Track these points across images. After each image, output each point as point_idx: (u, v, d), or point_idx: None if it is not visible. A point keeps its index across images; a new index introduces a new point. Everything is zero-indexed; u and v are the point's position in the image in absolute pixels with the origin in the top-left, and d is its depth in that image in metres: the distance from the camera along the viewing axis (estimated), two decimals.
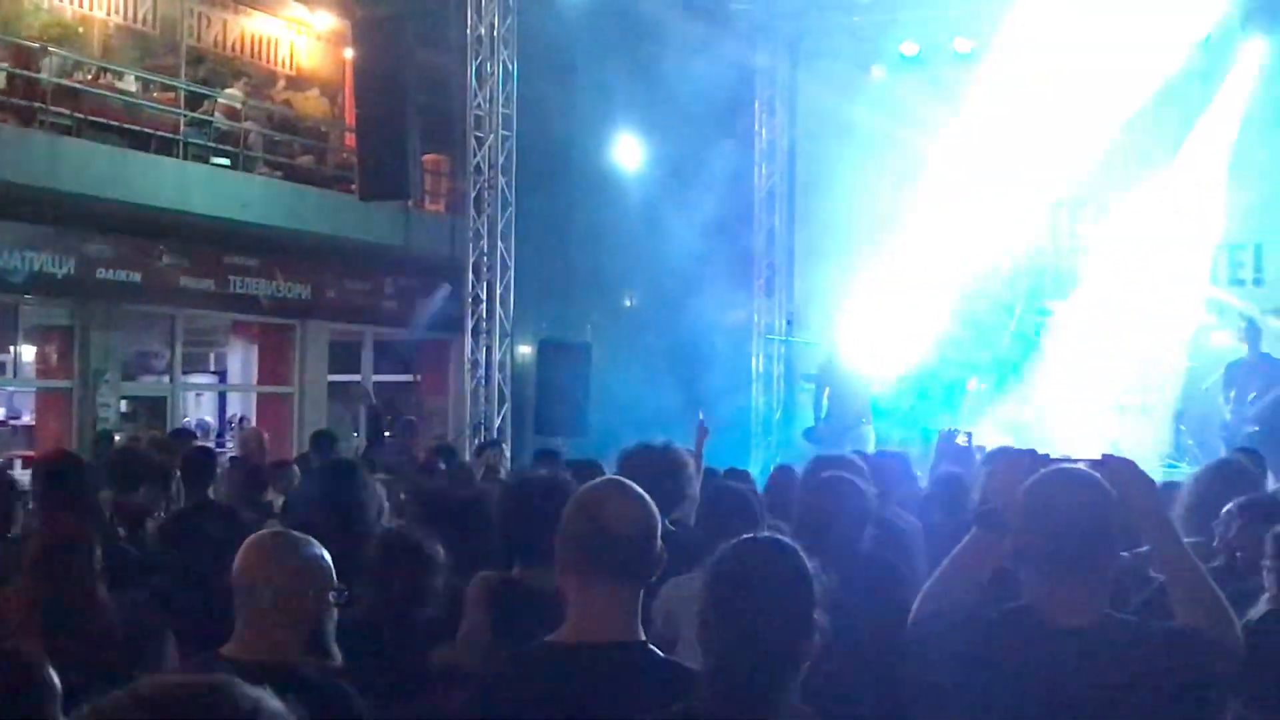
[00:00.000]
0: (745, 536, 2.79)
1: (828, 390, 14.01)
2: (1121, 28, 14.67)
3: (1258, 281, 15.17)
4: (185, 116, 14.29)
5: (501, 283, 13.94)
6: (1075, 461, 3.33)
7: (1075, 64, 14.86)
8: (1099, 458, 3.39)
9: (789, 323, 17.14)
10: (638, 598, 2.95)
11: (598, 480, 3.15)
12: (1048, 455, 3.47)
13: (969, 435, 8.38)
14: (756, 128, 17.29)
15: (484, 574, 4.28)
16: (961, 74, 15.97)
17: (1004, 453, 4.96)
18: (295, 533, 3.40)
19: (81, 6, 14.63)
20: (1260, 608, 4.64)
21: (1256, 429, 12.36)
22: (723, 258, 15.84)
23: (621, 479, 3.09)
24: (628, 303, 16.72)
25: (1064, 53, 14.89)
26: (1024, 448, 3.60)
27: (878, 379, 13.81)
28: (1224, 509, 4.93)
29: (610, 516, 2.92)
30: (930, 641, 3.31)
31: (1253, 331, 13.25)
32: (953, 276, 15.30)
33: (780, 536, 2.91)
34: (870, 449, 12.01)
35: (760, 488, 6.97)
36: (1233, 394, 13.01)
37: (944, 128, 15.72)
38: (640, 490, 3.03)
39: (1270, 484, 6.71)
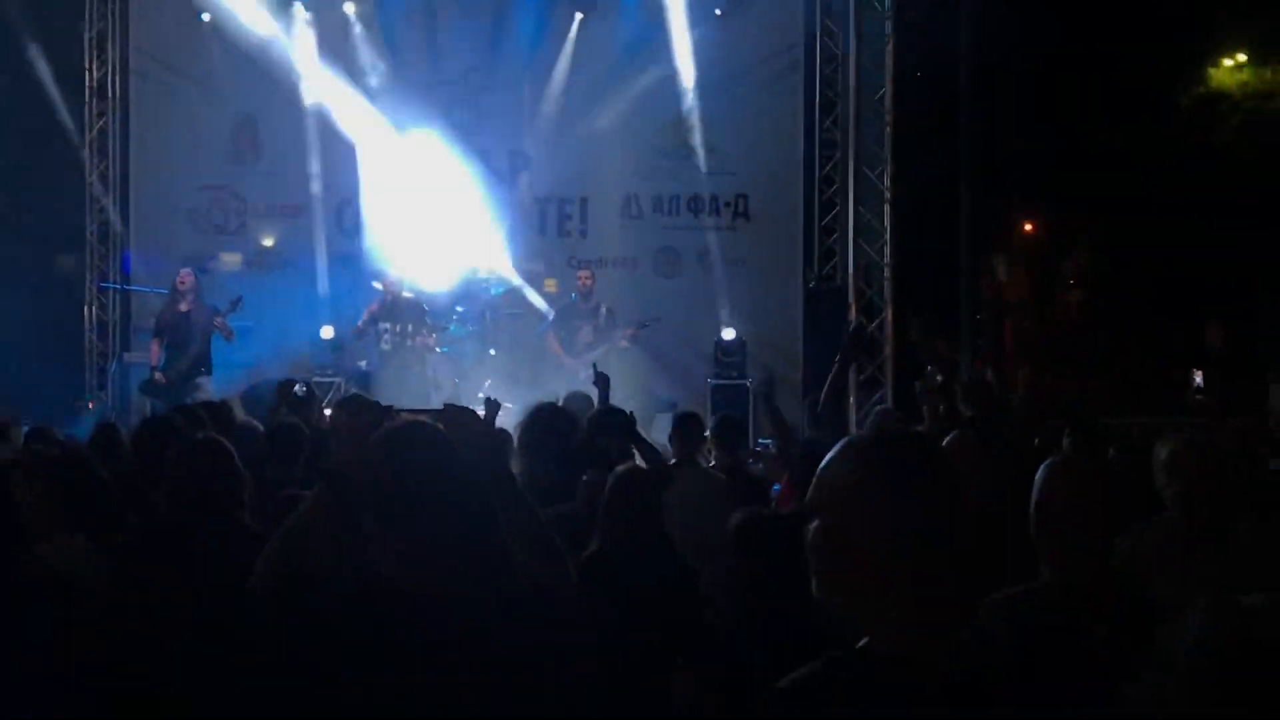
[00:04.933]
0: None
1: (164, 340, 13.44)
2: None
3: (583, 232, 16.09)
4: None
5: None
6: (418, 413, 3.32)
7: None
8: (440, 408, 3.40)
9: (126, 270, 16.28)
10: None
11: None
12: (391, 408, 3.44)
13: (306, 385, 8.25)
14: (86, 63, 16.22)
15: None
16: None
17: (351, 402, 4.91)
18: None
19: None
20: (590, 548, 4.94)
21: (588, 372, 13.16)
22: (44, 207, 14.80)
23: None
24: None
25: None
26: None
27: (222, 327, 13.37)
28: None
29: None
30: (270, 605, 3.20)
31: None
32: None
33: None
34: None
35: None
36: (563, 335, 13.78)
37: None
38: None
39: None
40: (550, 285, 15.76)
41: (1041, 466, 3.56)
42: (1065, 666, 2.83)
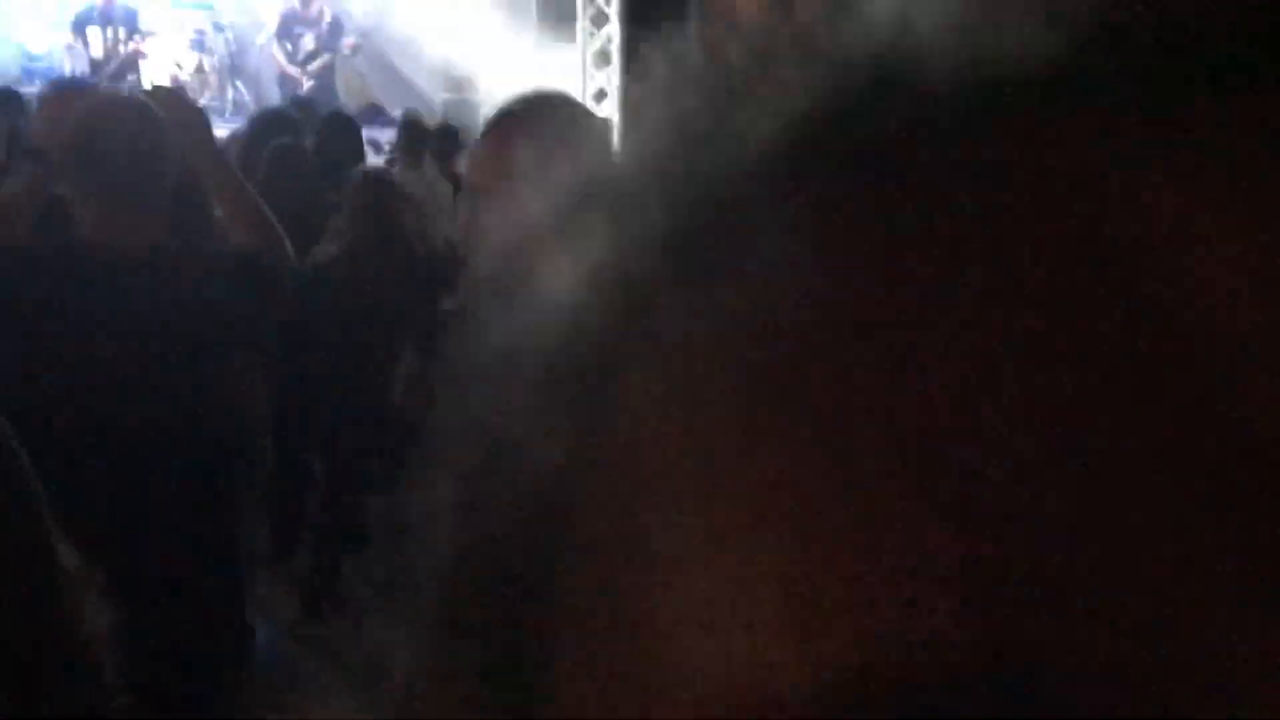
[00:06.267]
0: None
1: None
2: None
3: None
4: None
5: None
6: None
7: None
8: (150, 89, 3.37)
9: None
10: None
11: None
12: (97, 85, 3.39)
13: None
14: None
15: None
16: None
17: (61, 83, 4.77)
18: None
19: None
20: (328, 248, 5.01)
21: (312, 83, 12.88)
22: None
23: None
24: None
25: None
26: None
27: None
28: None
29: None
30: None
31: None
32: None
33: None
34: None
35: None
36: (289, 47, 13.34)
37: None
38: None
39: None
40: None
41: None
42: None
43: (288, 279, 3.31)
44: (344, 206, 5.17)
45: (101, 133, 3.03)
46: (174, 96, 3.31)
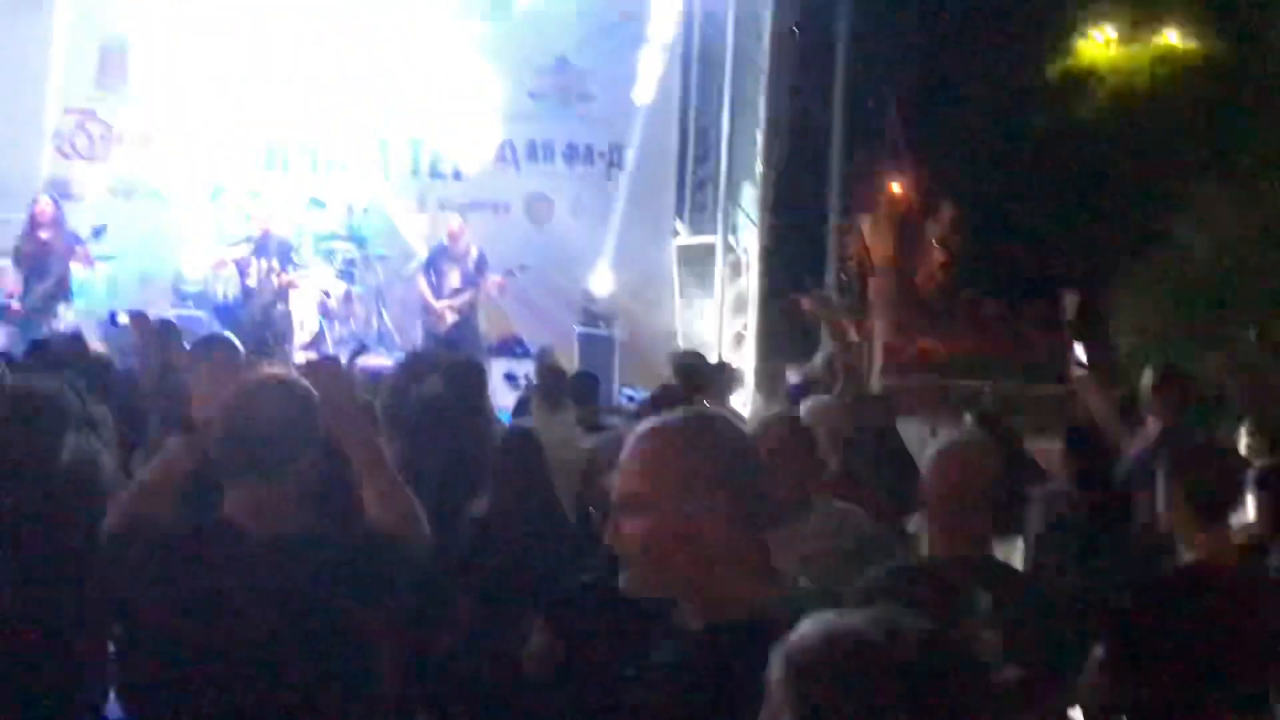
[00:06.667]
0: None
1: (23, 270, 13.14)
2: None
3: (457, 175, 15.82)
4: None
5: None
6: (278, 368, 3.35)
7: None
8: (306, 363, 3.44)
9: None
10: None
11: None
12: (241, 356, 3.47)
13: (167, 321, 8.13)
14: None
15: None
16: None
17: (209, 344, 4.83)
18: None
19: None
20: (480, 507, 5.03)
21: (455, 316, 13.24)
22: None
23: None
24: None
25: None
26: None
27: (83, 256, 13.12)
28: None
29: None
30: (124, 555, 3.21)
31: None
32: None
33: None
34: None
35: None
36: (434, 280, 13.67)
37: None
38: None
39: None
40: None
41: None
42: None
43: (421, 556, 3.32)
44: (490, 463, 5.24)
45: (255, 418, 3.09)
46: (330, 376, 3.35)
